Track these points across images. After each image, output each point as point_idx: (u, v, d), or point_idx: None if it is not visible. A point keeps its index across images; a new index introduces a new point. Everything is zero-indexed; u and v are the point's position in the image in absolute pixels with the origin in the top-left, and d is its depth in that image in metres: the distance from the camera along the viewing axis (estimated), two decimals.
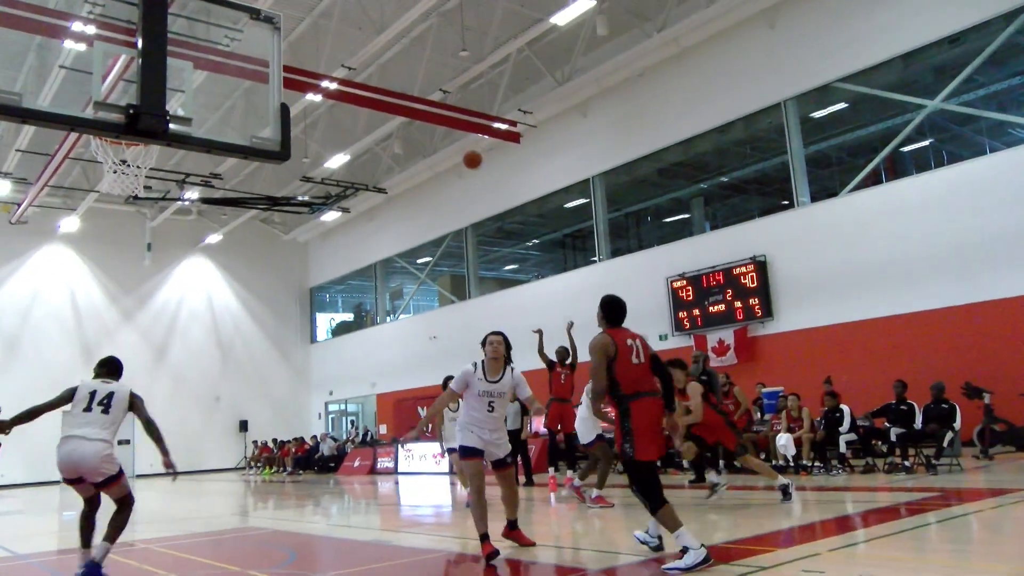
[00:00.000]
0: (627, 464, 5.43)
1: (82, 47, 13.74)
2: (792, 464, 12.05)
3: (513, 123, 19.07)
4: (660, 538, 5.69)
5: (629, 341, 5.66)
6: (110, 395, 5.96)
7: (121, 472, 5.86)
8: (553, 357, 12.46)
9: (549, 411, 12.03)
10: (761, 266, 15.64)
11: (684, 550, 5.00)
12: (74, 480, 5.74)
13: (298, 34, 16.71)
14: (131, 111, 4.01)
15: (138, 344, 26.73)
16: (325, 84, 16.02)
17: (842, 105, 15.93)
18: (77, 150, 18.35)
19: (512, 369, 6.65)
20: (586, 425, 9.79)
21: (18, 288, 25.38)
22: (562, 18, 15.23)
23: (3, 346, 24.34)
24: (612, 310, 5.93)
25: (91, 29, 12.64)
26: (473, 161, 6.15)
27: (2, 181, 21.46)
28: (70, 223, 25.08)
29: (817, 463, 11.72)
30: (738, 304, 15.95)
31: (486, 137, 19.82)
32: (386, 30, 15.72)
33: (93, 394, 5.92)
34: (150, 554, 7.40)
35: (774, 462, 12.52)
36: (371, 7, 15.83)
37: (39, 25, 12.66)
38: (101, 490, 5.82)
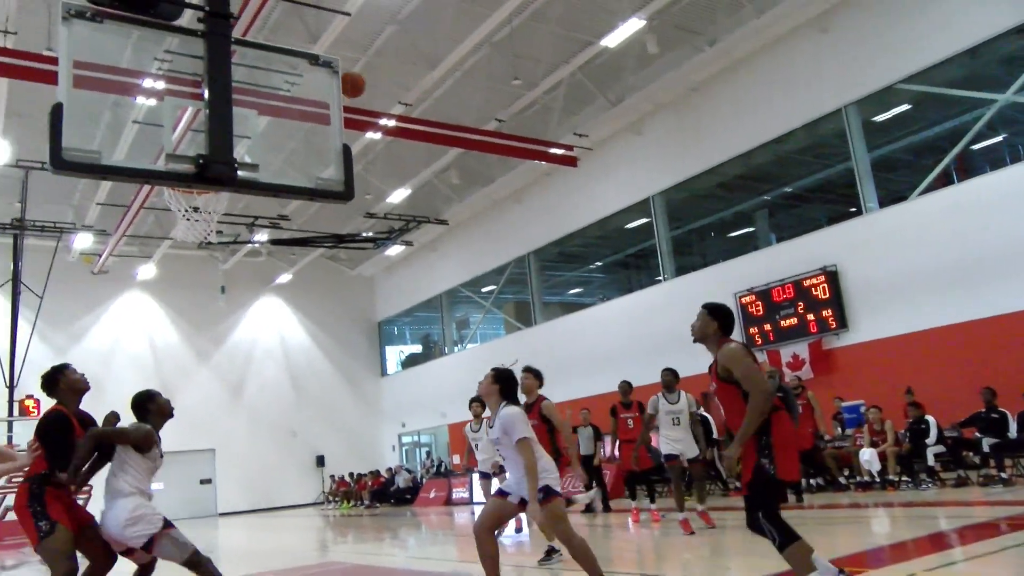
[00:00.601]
0: (763, 484, 4.46)
1: (152, 102, 14.36)
2: (878, 480, 11.65)
3: (569, 147, 19.12)
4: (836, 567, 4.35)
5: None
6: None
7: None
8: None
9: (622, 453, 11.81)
10: (832, 276, 15.24)
11: None
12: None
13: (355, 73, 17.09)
14: (200, 160, 4.14)
15: (215, 383, 27.47)
16: (383, 121, 16.34)
17: (906, 106, 15.50)
18: (151, 200, 19.09)
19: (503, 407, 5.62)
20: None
21: (101, 336, 26.37)
22: (612, 40, 15.27)
23: (91, 394, 25.29)
24: (729, 318, 5.21)
25: (160, 84, 13.19)
26: (355, 86, 5.24)
27: (84, 234, 22.42)
28: (147, 270, 26.03)
29: (904, 477, 11.30)
30: (811, 316, 15.55)
31: (543, 163, 19.94)
32: (439, 64, 16.00)
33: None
34: None
35: (859, 478, 12.13)
36: (424, 43, 16.13)
37: (114, 84, 13.23)
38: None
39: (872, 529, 7.57)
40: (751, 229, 19.08)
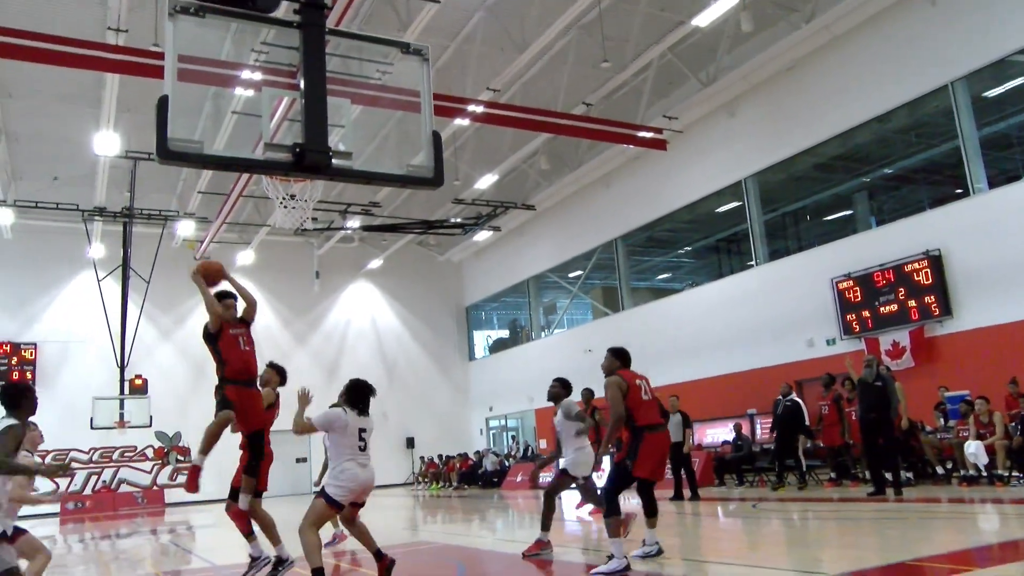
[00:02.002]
0: (622, 472, 6.53)
1: (251, 92, 14.84)
2: (985, 474, 11.11)
3: (659, 130, 18.80)
4: (657, 543, 6.71)
5: (638, 381, 6.74)
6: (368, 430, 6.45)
7: None
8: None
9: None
10: (936, 261, 14.54)
11: (610, 556, 6.17)
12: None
13: (444, 61, 17.25)
14: (297, 149, 4.25)
15: (311, 365, 28.32)
16: (472, 108, 16.43)
17: (1020, 80, 14.59)
18: (250, 188, 19.78)
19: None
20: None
21: (203, 318, 27.34)
22: (704, 19, 14.88)
23: (194, 373, 26.46)
24: (626, 357, 7.00)
25: (258, 75, 13.64)
26: (209, 275, 6.31)
27: (187, 221, 23.43)
28: (246, 256, 27.02)
29: (1015, 472, 10.74)
30: (912, 303, 14.89)
31: (632, 147, 19.68)
32: (527, 49, 15.95)
33: (362, 431, 6.35)
34: (327, 569, 7.77)
35: (963, 472, 11.61)
36: (511, 28, 16.11)
37: (215, 76, 13.80)
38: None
39: (980, 526, 7.22)
40: (849, 212, 18.37)
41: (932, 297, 14.52)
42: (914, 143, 16.84)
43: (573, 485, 8.05)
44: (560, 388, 8.22)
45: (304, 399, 6.48)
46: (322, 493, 6.14)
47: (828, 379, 14.05)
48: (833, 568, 5.84)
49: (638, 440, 6.50)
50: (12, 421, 5.27)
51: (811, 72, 17.02)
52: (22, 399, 5.43)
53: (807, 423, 13.83)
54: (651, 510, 6.81)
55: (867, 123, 16.14)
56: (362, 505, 6.39)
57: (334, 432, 6.20)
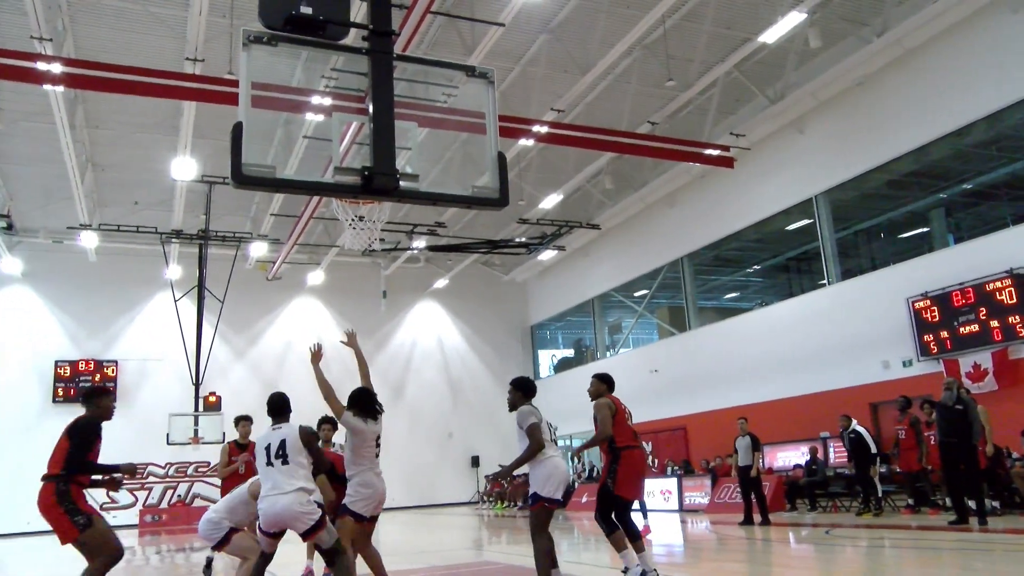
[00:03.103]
0: (604, 494, 6.92)
1: (320, 117, 15.23)
2: None
3: (725, 148, 18.58)
4: (655, 570, 6.75)
5: (623, 405, 7.23)
6: (282, 443, 5.94)
7: (323, 519, 5.87)
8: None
9: None
10: (1020, 279, 13.93)
11: (626, 570, 6.50)
12: (275, 534, 5.98)
13: (508, 83, 17.42)
14: (366, 172, 4.34)
15: (378, 384, 27.96)
16: (536, 128, 16.52)
17: None
18: (320, 210, 20.23)
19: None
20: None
21: (274, 338, 28.21)
22: (771, 35, 14.71)
23: (265, 389, 27.00)
24: (611, 382, 7.46)
25: (327, 100, 13.99)
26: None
27: (260, 243, 24.08)
28: (316, 276, 27.63)
29: None
30: (994, 323, 14.29)
31: (698, 165, 19.49)
32: (591, 70, 15.99)
33: (267, 448, 5.94)
34: None
35: None
36: (575, 49, 16.18)
37: (286, 103, 14.22)
38: (308, 539, 6.09)
39: None
40: (925, 229, 17.80)
41: (1017, 317, 13.92)
42: (995, 157, 16.26)
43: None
44: (518, 393, 6.82)
45: (317, 355, 6.51)
46: (346, 510, 6.11)
47: (904, 402, 13.58)
48: None
49: (617, 460, 6.96)
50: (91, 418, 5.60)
51: (883, 87, 16.61)
52: (95, 397, 5.85)
53: (873, 451, 13.42)
54: (633, 534, 6.85)
55: (943, 138, 15.65)
56: (376, 519, 6.34)
57: (356, 437, 6.18)
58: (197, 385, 23.23)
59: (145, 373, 25.93)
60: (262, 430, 6.25)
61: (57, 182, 20.15)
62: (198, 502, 25.91)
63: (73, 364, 25.12)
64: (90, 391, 5.99)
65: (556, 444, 7.02)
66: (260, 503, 5.86)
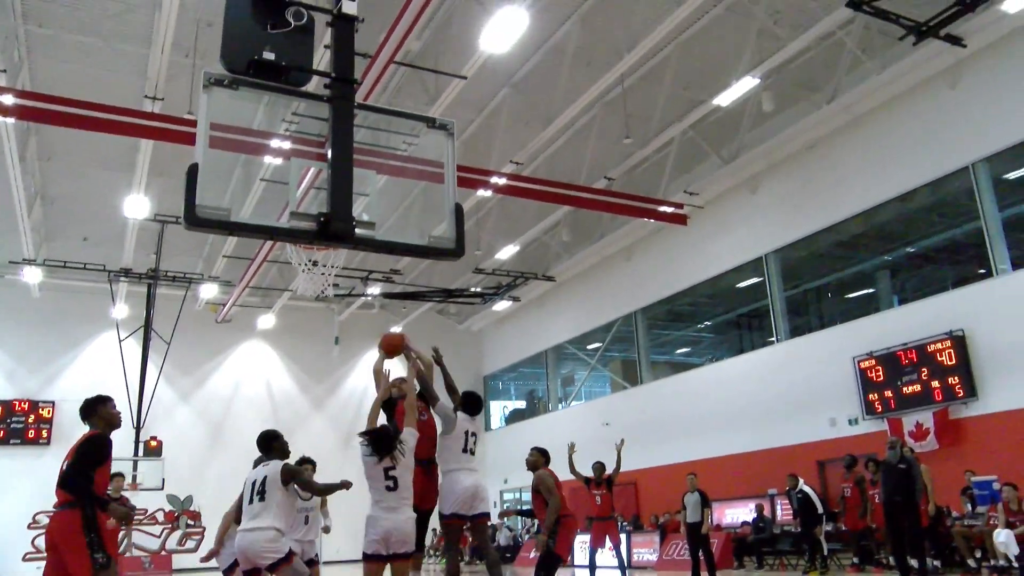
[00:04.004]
0: (547, 554, 7.84)
1: (280, 161, 15.18)
2: (1016, 564, 10.73)
3: (680, 205, 18.95)
4: None
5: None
6: (263, 480, 5.92)
7: (290, 555, 5.83)
8: (588, 473, 12.27)
9: (592, 530, 12.17)
10: (959, 341, 14.34)
11: None
12: (250, 571, 5.83)
13: (470, 133, 17.60)
14: (322, 218, 4.33)
15: (327, 431, 28.17)
16: (495, 180, 16.68)
17: None
18: (274, 253, 20.04)
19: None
20: None
21: (222, 380, 27.61)
22: (726, 98, 15.18)
23: (211, 433, 26.39)
24: (547, 454, 8.49)
25: (287, 144, 13.96)
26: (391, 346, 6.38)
27: (211, 284, 23.70)
28: (267, 320, 27.21)
29: None
30: (935, 384, 14.63)
31: (652, 220, 19.81)
32: (551, 124, 16.27)
33: (253, 484, 5.95)
34: None
35: (993, 562, 11.21)
36: (537, 103, 16.46)
37: (245, 144, 14.14)
38: (274, 574, 5.83)
39: None
40: (872, 290, 18.27)
41: (956, 378, 14.28)
42: (936, 223, 16.83)
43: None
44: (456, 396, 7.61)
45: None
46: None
47: (850, 460, 13.76)
48: None
49: (557, 524, 7.94)
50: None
51: (832, 151, 17.17)
52: (95, 407, 5.66)
53: (820, 511, 13.54)
54: None
55: (889, 202, 16.18)
56: (403, 559, 5.91)
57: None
58: (138, 428, 22.51)
59: None
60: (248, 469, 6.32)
61: (2, 214, 19.66)
62: (134, 551, 24.92)
63: (7, 404, 24.20)
64: (87, 404, 5.64)
65: (471, 455, 7.01)
66: (237, 539, 5.87)
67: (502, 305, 27.02)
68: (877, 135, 16.25)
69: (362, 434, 6.08)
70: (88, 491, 5.00)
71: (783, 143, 17.39)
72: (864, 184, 16.43)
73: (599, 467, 12.51)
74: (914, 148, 15.52)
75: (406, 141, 11.74)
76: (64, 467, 5.17)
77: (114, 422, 5.69)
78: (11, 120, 14.05)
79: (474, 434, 6.91)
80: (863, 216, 16.81)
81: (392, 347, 6.53)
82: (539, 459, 8.35)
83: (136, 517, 24.90)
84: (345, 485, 6.19)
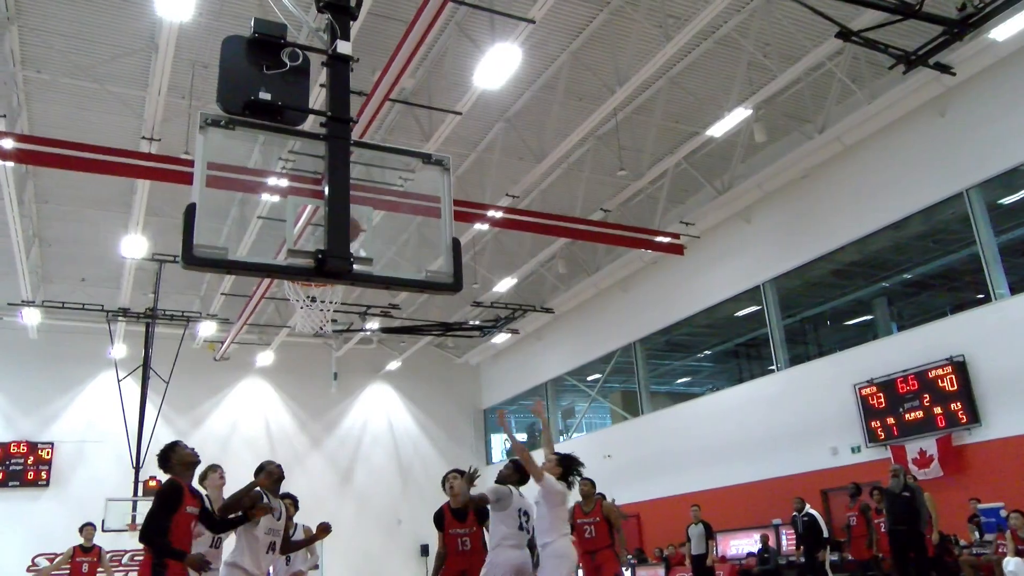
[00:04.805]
0: None
1: (276, 198, 15.25)
2: None
3: (676, 235, 19.04)
4: None
5: None
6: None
7: None
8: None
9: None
10: (960, 367, 14.33)
11: None
12: None
13: (465, 168, 17.73)
14: (319, 255, 4.35)
15: (325, 469, 27.97)
16: (491, 213, 16.76)
17: None
18: (272, 290, 20.05)
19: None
20: None
21: (220, 420, 27.46)
22: (718, 130, 15.32)
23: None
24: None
25: (284, 182, 14.01)
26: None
27: (209, 322, 23.67)
28: (265, 357, 27.13)
29: None
30: (938, 410, 14.58)
31: (650, 252, 19.88)
32: (546, 158, 16.41)
33: None
34: None
35: None
36: (530, 138, 16.61)
37: (242, 183, 14.13)
38: None
39: None
40: (870, 317, 18.31)
41: (958, 404, 14.24)
42: (932, 249, 16.91)
43: None
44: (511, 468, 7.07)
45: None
46: None
47: (855, 489, 13.67)
48: None
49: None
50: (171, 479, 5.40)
51: (825, 180, 17.30)
52: (168, 455, 5.72)
53: (826, 535, 13.40)
54: None
55: (883, 230, 16.27)
56: None
57: (556, 500, 6.58)
58: (137, 468, 22.33)
59: (83, 455, 24.88)
60: None
61: (0, 256, 19.69)
62: None
63: (4, 446, 24.03)
64: (162, 453, 5.78)
65: (525, 532, 6.76)
66: None
67: (501, 338, 27.00)
68: (869, 164, 16.39)
69: (564, 458, 6.39)
70: (157, 540, 5.23)
71: (776, 173, 17.52)
72: (858, 212, 16.53)
73: (589, 487, 10.26)
74: (906, 176, 15.64)
75: (402, 177, 11.84)
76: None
77: (190, 460, 5.76)
78: (10, 164, 14.13)
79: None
80: (858, 244, 16.89)
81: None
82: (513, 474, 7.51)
83: (135, 558, 24.75)
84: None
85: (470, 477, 6.87)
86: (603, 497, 11.50)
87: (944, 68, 13.34)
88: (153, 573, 5.12)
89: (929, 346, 14.99)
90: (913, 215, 15.72)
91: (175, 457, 5.71)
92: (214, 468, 7.03)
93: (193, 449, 5.87)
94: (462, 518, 7.28)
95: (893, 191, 15.85)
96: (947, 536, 12.40)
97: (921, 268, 17.36)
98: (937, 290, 17.65)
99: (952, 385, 14.34)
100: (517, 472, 6.58)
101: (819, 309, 19.43)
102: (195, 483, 5.96)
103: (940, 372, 14.56)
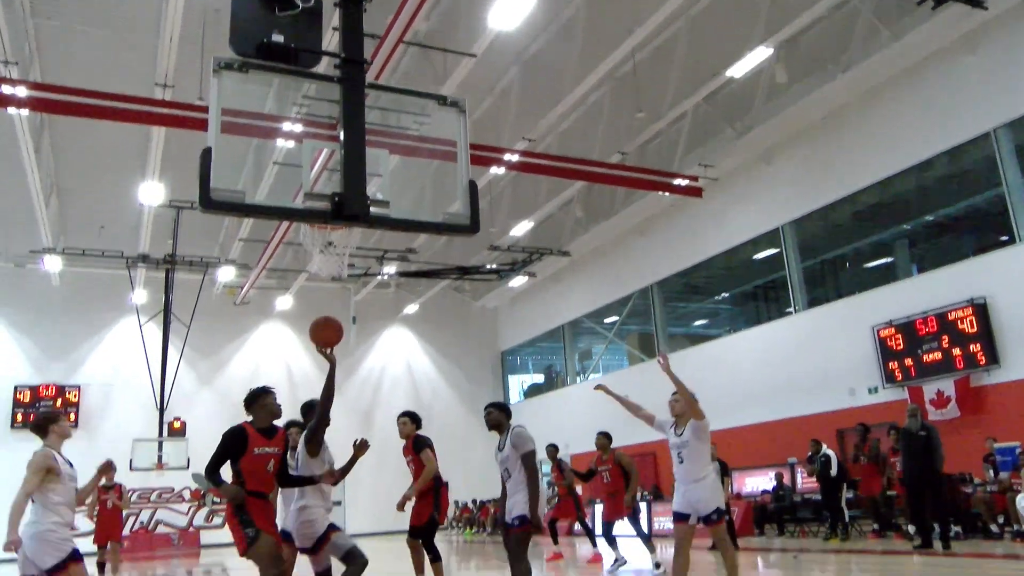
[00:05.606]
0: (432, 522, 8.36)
1: (291, 144, 15.19)
2: None
3: (694, 178, 18.84)
4: None
5: None
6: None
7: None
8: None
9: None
10: (981, 309, 14.24)
11: None
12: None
13: (481, 112, 17.53)
14: (336, 198, 4.36)
15: (347, 412, 28.40)
16: (508, 157, 16.63)
17: None
18: (290, 235, 20.13)
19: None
20: None
21: (241, 364, 27.88)
22: (738, 70, 15.01)
23: (232, 415, 26.61)
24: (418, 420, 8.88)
25: (299, 127, 13.96)
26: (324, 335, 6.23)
27: (228, 268, 23.87)
28: (284, 301, 27.41)
29: None
30: (956, 351, 14.56)
31: (667, 194, 19.71)
32: (563, 100, 16.16)
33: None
34: None
35: (1016, 527, 11.22)
36: (547, 80, 16.34)
37: (257, 129, 14.10)
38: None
39: None
40: (890, 259, 18.14)
41: (978, 345, 14.20)
42: (956, 191, 16.64)
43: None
44: (501, 413, 7.28)
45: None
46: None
47: (863, 429, 13.77)
48: None
49: (439, 494, 8.52)
50: None
51: (848, 121, 16.99)
52: (253, 402, 5.94)
53: (840, 475, 13.52)
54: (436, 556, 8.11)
55: (906, 171, 16.01)
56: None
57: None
58: (161, 410, 22.83)
59: (109, 398, 25.45)
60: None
61: (21, 206, 19.82)
62: (161, 528, 25.41)
63: (34, 389, 24.58)
64: (251, 395, 6.05)
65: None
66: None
67: (518, 281, 27.06)
68: (894, 104, 16.05)
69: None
70: (210, 477, 5.57)
71: (798, 114, 17.20)
72: (881, 154, 16.26)
73: (604, 440, 12.09)
74: (932, 116, 15.32)
75: (417, 121, 11.73)
76: None
77: (272, 411, 6.02)
78: (25, 112, 14.13)
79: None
80: (880, 186, 16.66)
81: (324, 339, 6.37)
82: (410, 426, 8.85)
83: (164, 496, 25.47)
84: None
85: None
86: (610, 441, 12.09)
87: (976, 2, 12.95)
88: (236, 509, 5.48)
89: (950, 288, 14.89)
90: (938, 156, 15.44)
91: (259, 403, 5.96)
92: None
93: (279, 404, 6.14)
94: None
95: (918, 132, 15.55)
96: (961, 475, 12.49)
97: (944, 210, 17.11)
98: (960, 232, 17.41)
99: (972, 327, 14.28)
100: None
101: (839, 252, 19.26)
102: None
103: (960, 314, 14.49)
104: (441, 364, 31.21)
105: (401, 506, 8.01)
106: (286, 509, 6.61)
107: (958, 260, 15.71)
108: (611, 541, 11.55)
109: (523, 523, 6.31)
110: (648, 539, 11.53)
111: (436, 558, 8.15)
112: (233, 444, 5.59)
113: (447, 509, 8.50)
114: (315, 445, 6.03)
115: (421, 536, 8.28)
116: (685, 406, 6.70)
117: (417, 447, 8.73)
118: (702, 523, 6.60)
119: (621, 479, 11.51)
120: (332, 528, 6.06)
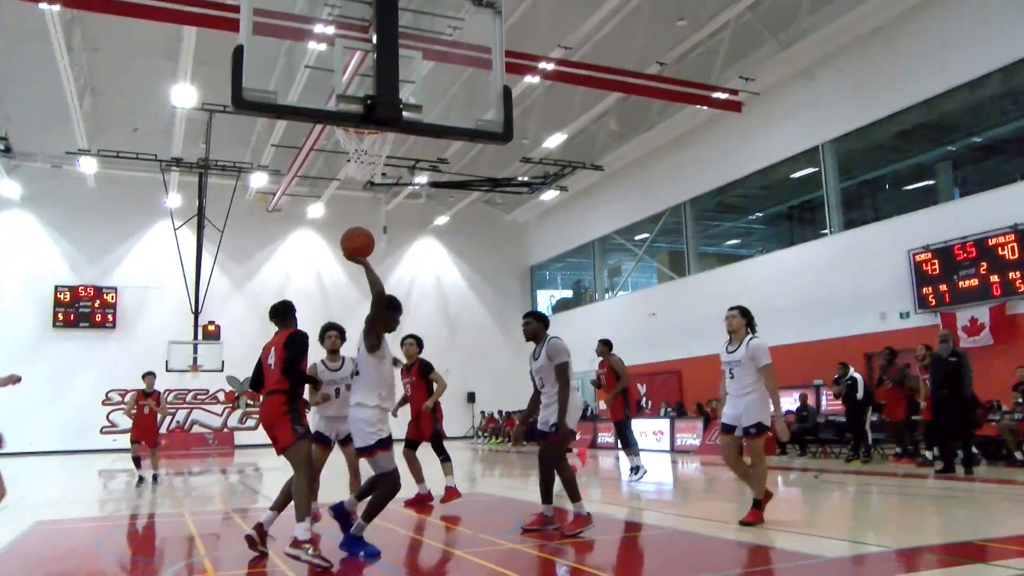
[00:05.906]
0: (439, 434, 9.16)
1: (323, 47, 14.95)
2: None
3: (734, 91, 18.30)
4: None
5: None
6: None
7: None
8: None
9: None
10: (1023, 235, 13.90)
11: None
12: None
13: (516, 17, 17.02)
14: (368, 102, 4.28)
15: None
16: (542, 65, 16.24)
17: None
18: (321, 142, 20.03)
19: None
20: None
21: (274, 270, 28.26)
22: None
23: (264, 321, 27.19)
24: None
25: (330, 30, 13.72)
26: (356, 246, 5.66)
27: (260, 173, 23.91)
28: (316, 209, 27.53)
29: None
30: (995, 278, 14.29)
31: (704, 109, 19.22)
32: (601, 5, 15.63)
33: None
34: (392, 514, 7.96)
35: None
36: None
37: (288, 30, 13.93)
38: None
39: None
40: (931, 182, 17.65)
41: (1017, 272, 13.92)
42: (1008, 111, 16.00)
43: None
44: (540, 324, 7.04)
45: None
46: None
47: (890, 353, 13.69)
48: (894, 543, 5.75)
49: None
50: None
51: (897, 36, 16.29)
52: (291, 313, 6.19)
53: (861, 396, 13.51)
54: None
55: (955, 89, 15.41)
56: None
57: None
58: (196, 313, 23.32)
59: (144, 300, 26.02)
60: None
61: (55, 106, 19.86)
62: (196, 428, 26.33)
63: (73, 290, 25.19)
64: (285, 308, 6.21)
65: None
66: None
67: (549, 195, 26.85)
68: (946, 18, 15.33)
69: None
70: (302, 379, 5.86)
71: (845, 28, 16.52)
72: (929, 71, 15.63)
73: (603, 347, 12.22)
74: (988, 31, 14.62)
75: (451, 25, 11.46)
76: (272, 361, 5.78)
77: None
78: (56, 8, 13.98)
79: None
80: (926, 105, 16.07)
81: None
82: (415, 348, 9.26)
83: (199, 397, 26.29)
84: None
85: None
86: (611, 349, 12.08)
87: None
88: (290, 405, 5.63)
89: (992, 213, 14.51)
90: (992, 73, 14.79)
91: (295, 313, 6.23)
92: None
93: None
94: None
95: (971, 47, 14.88)
96: (989, 403, 12.44)
97: (993, 131, 16.49)
98: (1008, 155, 16.82)
99: (1013, 253, 13.98)
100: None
101: (878, 172, 18.75)
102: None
103: (1001, 240, 14.17)
104: (470, 276, 31.39)
105: (396, 413, 7.76)
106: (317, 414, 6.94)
107: (1003, 184, 15.24)
108: (626, 445, 11.71)
109: (557, 431, 6.55)
110: (632, 445, 11.65)
111: (446, 459, 8.93)
112: (305, 344, 5.87)
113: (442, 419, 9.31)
114: (375, 339, 5.91)
115: (432, 445, 9.04)
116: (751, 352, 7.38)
117: (425, 370, 9.08)
118: (742, 434, 6.98)
119: (615, 382, 11.84)
120: (381, 445, 5.56)
